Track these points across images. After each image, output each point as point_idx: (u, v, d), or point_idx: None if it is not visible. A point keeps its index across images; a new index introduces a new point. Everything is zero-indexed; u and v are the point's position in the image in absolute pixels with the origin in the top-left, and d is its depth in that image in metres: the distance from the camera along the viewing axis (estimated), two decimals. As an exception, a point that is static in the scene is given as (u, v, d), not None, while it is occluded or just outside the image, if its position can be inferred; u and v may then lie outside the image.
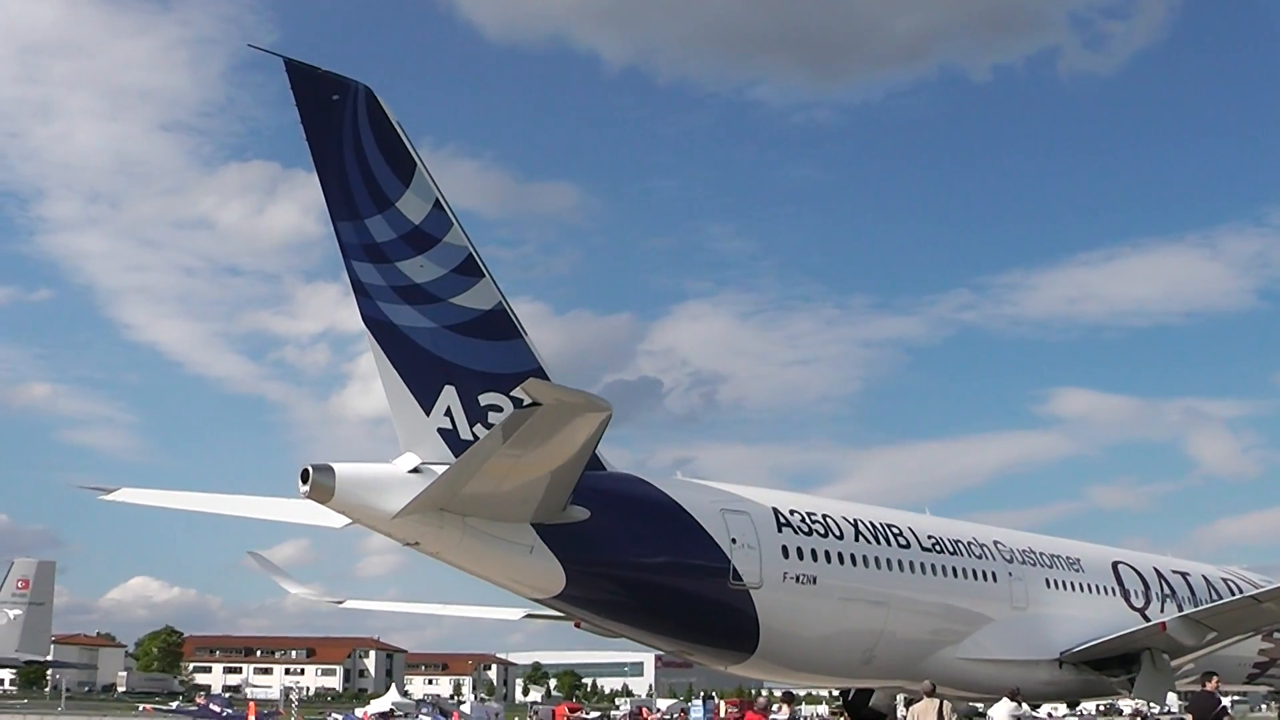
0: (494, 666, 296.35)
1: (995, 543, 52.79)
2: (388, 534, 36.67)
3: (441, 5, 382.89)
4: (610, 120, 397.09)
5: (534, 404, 29.46)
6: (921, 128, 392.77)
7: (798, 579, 42.81)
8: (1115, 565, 59.44)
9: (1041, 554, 55.07)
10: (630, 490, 40.74)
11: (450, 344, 37.04)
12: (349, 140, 36.42)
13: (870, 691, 54.71)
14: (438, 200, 37.58)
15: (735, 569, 40.96)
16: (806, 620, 43.56)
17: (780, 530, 43.09)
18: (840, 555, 44.68)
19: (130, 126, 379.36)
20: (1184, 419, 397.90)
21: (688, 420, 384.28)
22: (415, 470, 35.59)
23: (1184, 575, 63.15)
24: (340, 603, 68.46)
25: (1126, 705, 55.23)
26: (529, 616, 57.05)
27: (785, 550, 42.79)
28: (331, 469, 35.08)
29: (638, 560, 39.72)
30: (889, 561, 46.58)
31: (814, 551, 43.70)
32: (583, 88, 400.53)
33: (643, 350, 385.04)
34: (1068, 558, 56.70)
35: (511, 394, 31.44)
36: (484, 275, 38.10)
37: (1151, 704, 54.07)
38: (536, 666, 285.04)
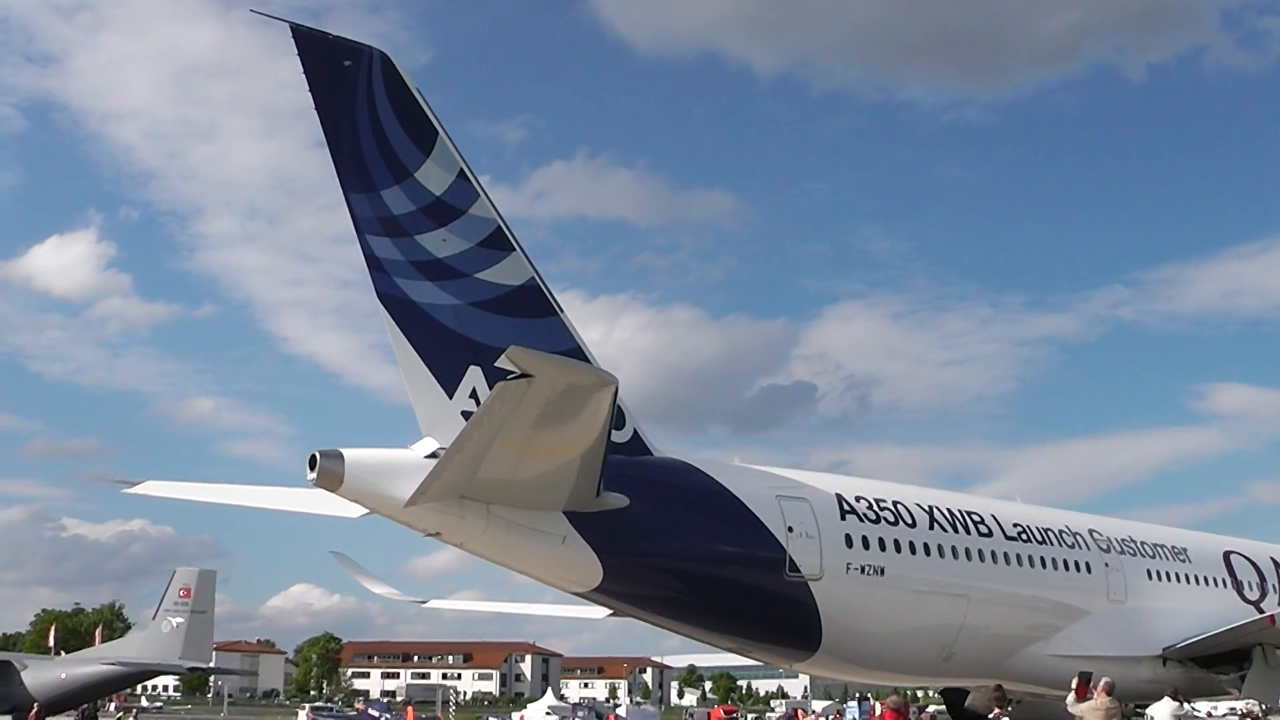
0: (649, 670, 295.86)
1: (1090, 531, 49.34)
2: (406, 523, 34.37)
3: (587, 21, 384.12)
4: (763, 126, 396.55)
5: (523, 375, 27.08)
6: (1071, 124, 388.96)
7: (863, 570, 39.84)
8: (1227, 555, 55.74)
9: (1143, 543, 51.50)
10: (675, 476, 38.11)
11: (476, 322, 34.71)
12: (363, 108, 34.31)
13: (963, 691, 51.50)
14: (462, 170, 35.27)
15: (792, 560, 38.14)
16: (875, 615, 40.55)
17: (844, 518, 40.18)
18: (912, 544, 41.65)
19: (286, 144, 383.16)
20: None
21: (841, 423, 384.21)
22: (433, 455, 33.06)
23: (1305, 565, 59.35)
24: (424, 603, 66.84)
25: (1237, 705, 51.70)
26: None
27: (849, 539, 39.87)
28: (341, 455, 32.90)
29: (681, 551, 37.07)
30: (968, 551, 43.37)
31: (881, 540, 40.71)
32: (735, 96, 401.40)
33: (796, 354, 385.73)
34: (1173, 547, 53.07)
35: (495, 364, 29.10)
36: (514, 249, 35.75)
37: (1264, 704, 50.22)
38: (691, 669, 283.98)
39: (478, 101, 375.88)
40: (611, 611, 43.58)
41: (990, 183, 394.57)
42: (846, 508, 40.51)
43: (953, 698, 52.83)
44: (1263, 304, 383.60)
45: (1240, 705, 52.26)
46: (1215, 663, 49.81)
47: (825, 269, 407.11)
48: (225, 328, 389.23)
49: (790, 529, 38.34)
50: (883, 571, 40.34)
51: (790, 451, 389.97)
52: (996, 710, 22.53)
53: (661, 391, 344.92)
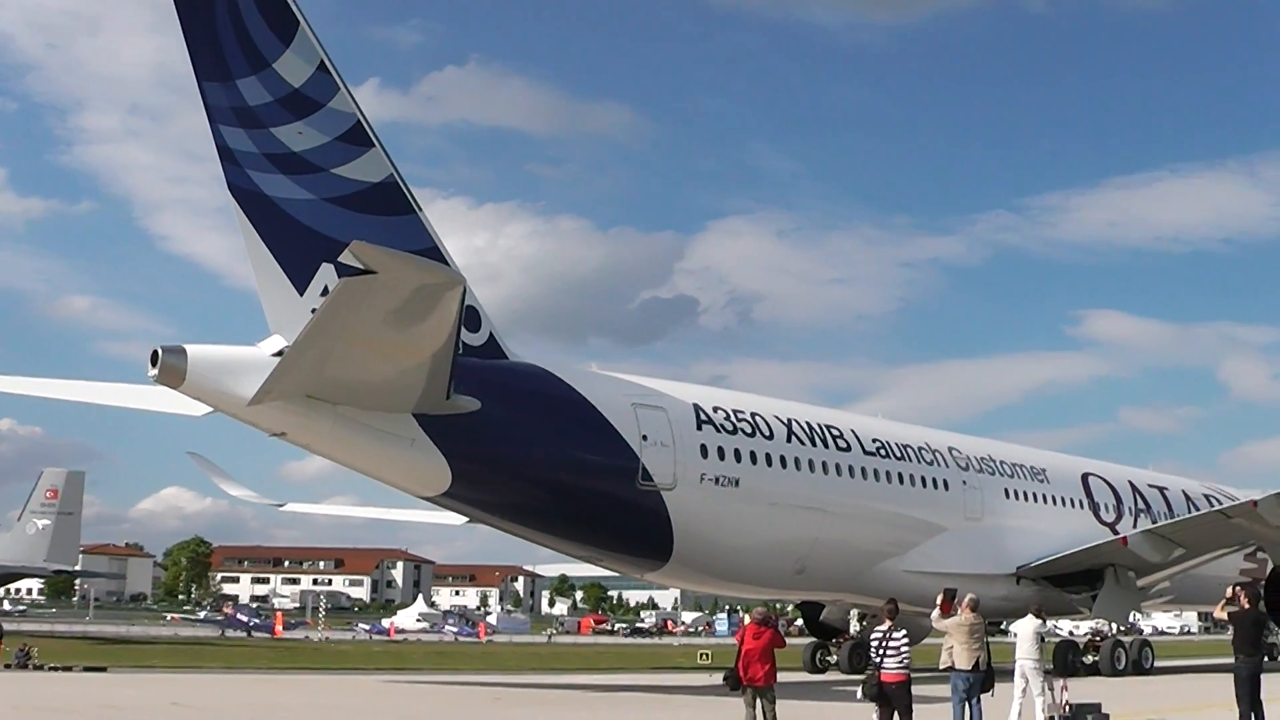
0: (521, 578, 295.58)
1: (950, 449, 49.64)
2: (251, 423, 33.81)
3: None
4: (661, 39, 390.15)
5: (367, 271, 26.55)
6: (968, 51, 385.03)
7: (717, 480, 39.75)
8: (1085, 477, 56.37)
9: (1002, 463, 51.95)
10: (529, 381, 37.64)
11: (330, 218, 33.89)
12: (221, -6, 33.22)
13: (819, 605, 51.73)
14: (322, 62, 34.34)
15: (645, 468, 37.91)
16: (728, 526, 40.44)
17: (700, 428, 39.96)
18: (768, 456, 41.58)
19: (174, 39, 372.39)
20: (1218, 344, 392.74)
21: (723, 337, 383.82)
22: (280, 354, 32.27)
23: (1161, 490, 60.07)
24: (281, 506, 66.37)
25: (1084, 625, 52.40)
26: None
27: (704, 449, 39.72)
28: (184, 350, 32.29)
29: (532, 457, 36.60)
30: (825, 465, 43.42)
31: (737, 452, 40.61)
32: (634, 7, 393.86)
33: (681, 268, 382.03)
34: (1032, 467, 53.56)
35: (339, 260, 28.46)
36: (373, 145, 34.99)
37: (1114, 623, 50.84)
38: (563, 579, 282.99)
39: (372, 4, 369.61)
40: (468, 519, 43.06)
41: (884, 105, 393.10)
42: (703, 418, 40.27)
43: (809, 611, 53.14)
44: (1143, 235, 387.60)
45: (1091, 624, 52.82)
46: (1069, 582, 50.40)
47: (715, 184, 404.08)
48: (104, 225, 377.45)
49: (645, 437, 38.06)
50: (737, 483, 40.24)
51: (672, 364, 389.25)
52: (888, 623, 22.46)
53: (544, 301, 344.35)
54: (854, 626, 52.38)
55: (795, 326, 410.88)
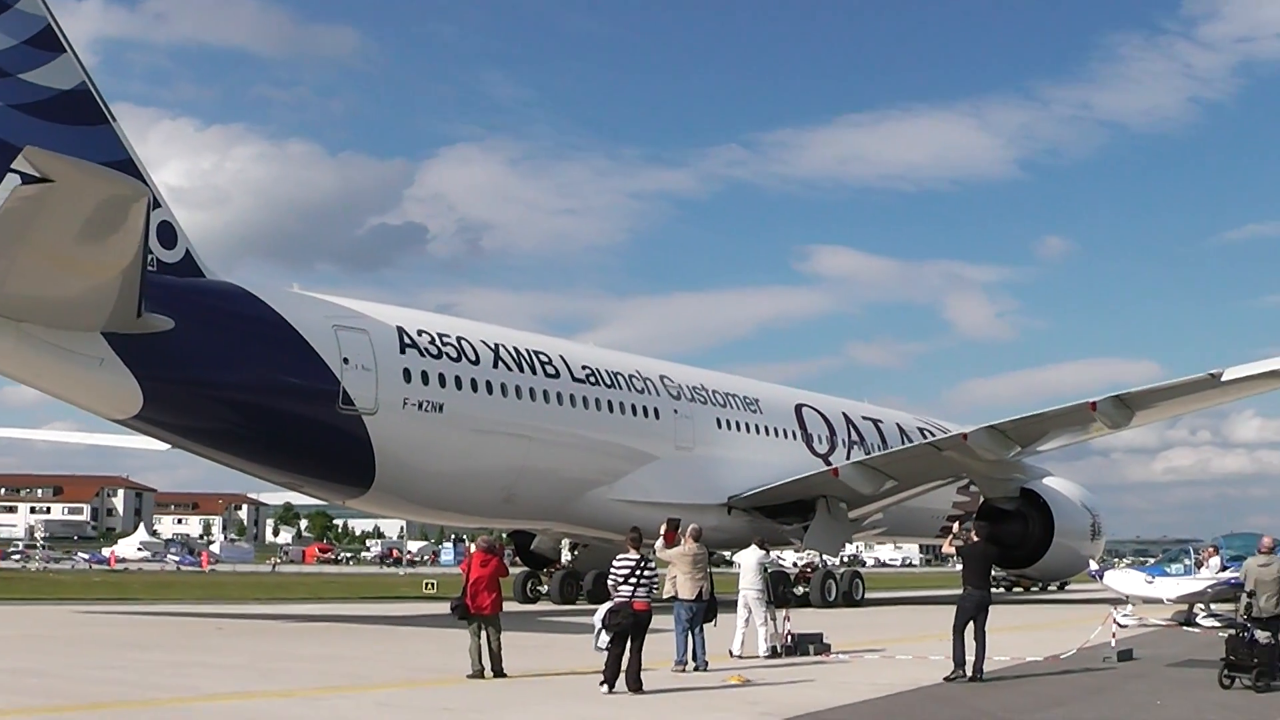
0: (245, 507, 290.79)
1: (662, 377, 49.70)
2: None
3: None
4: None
5: (44, 180, 25.26)
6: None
7: (420, 406, 39.17)
8: (799, 408, 57.01)
9: (715, 392, 52.17)
10: (226, 301, 36.41)
11: (18, 126, 32.02)
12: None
13: (530, 534, 51.54)
14: (8, -42, 32.59)
15: (346, 392, 37.13)
16: (432, 452, 39.90)
17: (404, 352, 39.28)
18: (474, 382, 41.11)
19: None
20: (943, 282, 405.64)
21: (452, 265, 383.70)
22: None
23: (875, 422, 61.15)
24: None
25: (799, 557, 53.23)
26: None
27: (408, 374, 39.08)
28: None
29: (227, 380, 35.53)
30: (532, 391, 43.06)
31: (442, 376, 40.06)
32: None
33: (411, 195, 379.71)
34: (745, 397, 53.92)
35: (12, 166, 27.15)
36: (65, 51, 33.35)
37: (824, 554, 51.57)
38: (288, 507, 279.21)
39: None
40: (169, 445, 41.69)
41: (618, 35, 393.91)
42: (408, 341, 39.60)
43: (520, 540, 52.90)
44: (871, 172, 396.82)
45: (803, 556, 53.60)
46: (781, 513, 50.90)
47: (447, 111, 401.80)
48: None
49: (346, 360, 37.25)
50: (441, 408, 39.72)
51: (400, 292, 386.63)
52: (634, 551, 21.90)
53: (272, 226, 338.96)
54: (565, 556, 52.40)
55: (525, 256, 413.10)
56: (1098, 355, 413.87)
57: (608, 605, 21.11)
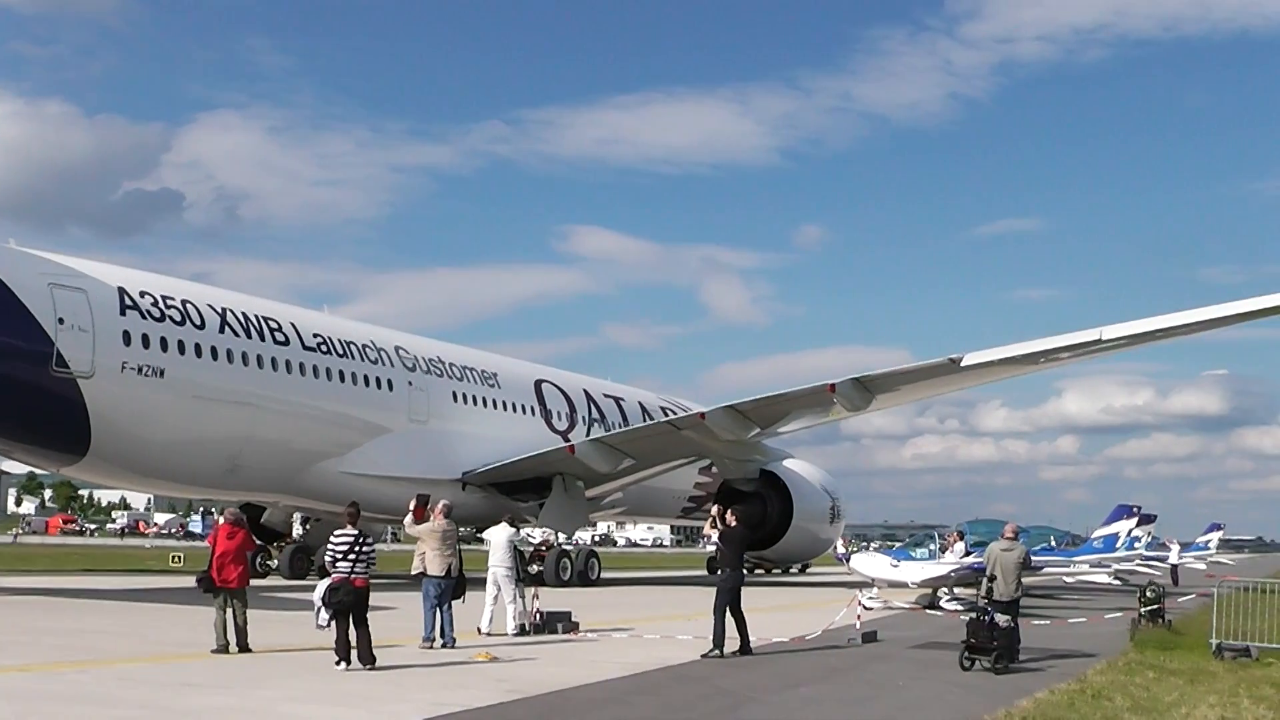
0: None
1: (397, 348, 48.84)
2: None
3: None
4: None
5: None
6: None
7: (140, 370, 37.78)
8: (539, 384, 56.57)
9: (451, 365, 51.50)
10: None
11: None
12: None
13: (260, 507, 49.96)
14: None
15: (60, 354, 35.68)
16: (152, 419, 38.60)
17: (124, 314, 37.92)
18: (197, 347, 39.89)
19: None
20: (701, 266, 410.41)
21: (209, 234, 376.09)
22: None
23: (617, 400, 60.97)
24: None
25: (536, 534, 52.52)
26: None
27: (127, 336, 37.73)
28: None
29: None
30: (259, 358, 41.98)
31: (164, 340, 38.78)
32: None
33: (168, 160, 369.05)
34: (483, 371, 53.27)
35: None
36: None
37: (559, 532, 50.91)
38: (31, 476, 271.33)
39: None
40: None
41: (382, 5, 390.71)
42: (129, 302, 38.21)
43: (251, 513, 51.32)
44: (634, 154, 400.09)
45: (540, 533, 53.02)
46: (518, 490, 50.40)
47: (209, 76, 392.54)
48: None
49: (61, 320, 35.76)
50: (162, 373, 38.42)
51: (154, 259, 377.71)
52: (351, 527, 20.94)
53: (22, 187, 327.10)
54: (296, 530, 51.03)
55: (283, 226, 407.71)
56: (852, 343, 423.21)
57: (326, 582, 20.64)
